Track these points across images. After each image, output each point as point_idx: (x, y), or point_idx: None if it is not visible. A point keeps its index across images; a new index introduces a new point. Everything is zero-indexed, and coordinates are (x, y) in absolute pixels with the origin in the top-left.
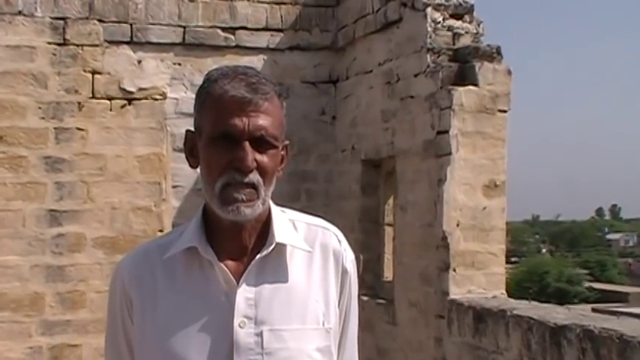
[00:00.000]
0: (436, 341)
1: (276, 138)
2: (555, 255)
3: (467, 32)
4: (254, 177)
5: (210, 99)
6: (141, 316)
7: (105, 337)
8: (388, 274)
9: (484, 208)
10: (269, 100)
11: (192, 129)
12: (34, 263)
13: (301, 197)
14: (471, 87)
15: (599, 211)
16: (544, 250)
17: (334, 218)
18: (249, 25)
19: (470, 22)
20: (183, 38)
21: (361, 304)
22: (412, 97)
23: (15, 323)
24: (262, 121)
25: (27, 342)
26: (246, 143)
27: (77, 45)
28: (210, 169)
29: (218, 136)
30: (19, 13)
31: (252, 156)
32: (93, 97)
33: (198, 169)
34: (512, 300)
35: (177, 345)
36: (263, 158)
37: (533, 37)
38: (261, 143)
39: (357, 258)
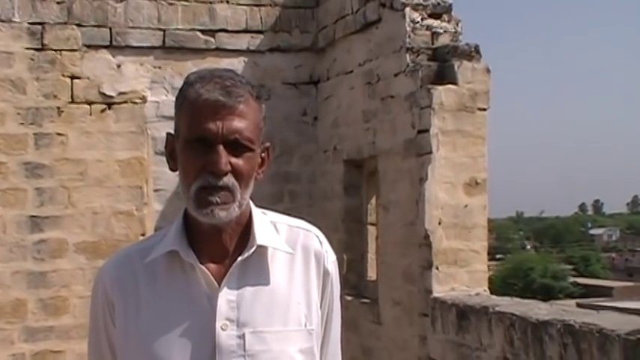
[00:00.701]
0: (420, 339)
1: (252, 141)
2: (540, 251)
3: (445, 31)
4: (228, 180)
5: (187, 102)
6: (123, 320)
7: (87, 342)
8: (372, 274)
9: (465, 205)
10: (243, 102)
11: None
12: (16, 269)
13: (284, 198)
14: (450, 86)
15: (582, 207)
16: (529, 247)
17: (318, 219)
18: (228, 28)
19: (448, 22)
20: (163, 41)
21: (345, 304)
22: (392, 96)
23: None
24: (237, 124)
25: (10, 349)
26: (220, 147)
27: (55, 50)
28: (186, 173)
29: (193, 140)
30: None
31: (225, 159)
32: (72, 102)
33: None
34: (494, 297)
35: (159, 348)
36: (238, 161)
37: (516, 36)
38: (236, 146)
39: (339, 258)
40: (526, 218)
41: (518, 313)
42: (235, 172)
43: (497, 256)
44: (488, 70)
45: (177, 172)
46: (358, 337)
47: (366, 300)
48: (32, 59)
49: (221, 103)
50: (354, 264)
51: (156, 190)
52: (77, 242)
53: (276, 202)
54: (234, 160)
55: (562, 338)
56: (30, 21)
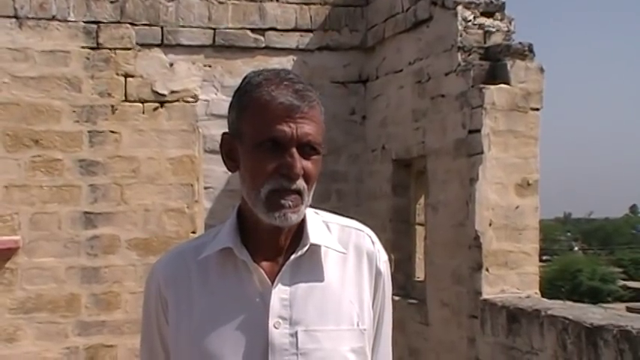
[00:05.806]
0: (469, 341)
1: (320, 144)
2: (588, 253)
3: (498, 30)
4: (300, 183)
5: (256, 104)
6: (176, 317)
7: (140, 338)
8: (420, 274)
9: (517, 207)
10: (314, 106)
11: (227, 131)
12: (70, 265)
13: (332, 197)
14: (502, 85)
15: (633, 208)
16: (576, 248)
17: (365, 218)
18: (278, 26)
19: (501, 20)
20: (214, 40)
21: (393, 304)
22: (443, 96)
23: (52, 324)
24: (308, 127)
25: (64, 342)
26: (294, 150)
27: (110, 49)
28: (255, 175)
29: (264, 142)
30: (53, 18)
31: (300, 163)
32: (126, 100)
33: (237, 173)
34: (546, 300)
35: (212, 345)
36: (308, 164)
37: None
38: (307, 150)
39: (388, 258)
40: (574, 219)
41: (571, 317)
42: (305, 175)
43: (544, 258)
44: (541, 70)
45: (238, 173)
46: (405, 337)
47: (413, 300)
48: (87, 58)
49: (295, 106)
50: (401, 264)
51: (205, 188)
52: (129, 239)
53: (324, 201)
54: (304, 163)
55: (618, 344)
56: (85, 20)
